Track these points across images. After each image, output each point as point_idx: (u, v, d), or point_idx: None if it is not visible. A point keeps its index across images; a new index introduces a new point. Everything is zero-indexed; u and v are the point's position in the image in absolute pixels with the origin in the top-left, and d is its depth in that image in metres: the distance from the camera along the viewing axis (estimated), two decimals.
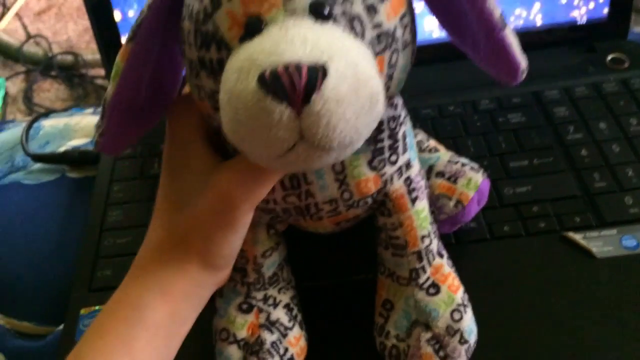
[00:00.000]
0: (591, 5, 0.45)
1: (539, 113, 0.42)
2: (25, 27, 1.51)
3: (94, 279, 0.37)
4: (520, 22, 0.46)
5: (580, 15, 0.46)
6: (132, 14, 0.44)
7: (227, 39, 0.21)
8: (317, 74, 0.18)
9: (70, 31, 1.52)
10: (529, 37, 0.46)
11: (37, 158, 0.45)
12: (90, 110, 0.53)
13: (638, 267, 0.33)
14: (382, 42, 0.22)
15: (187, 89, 0.29)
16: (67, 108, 1.42)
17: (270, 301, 0.31)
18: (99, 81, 1.39)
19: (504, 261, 0.35)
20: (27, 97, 1.37)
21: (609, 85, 0.43)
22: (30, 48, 1.44)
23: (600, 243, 0.34)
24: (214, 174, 0.25)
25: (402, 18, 0.23)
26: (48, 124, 0.50)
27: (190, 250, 0.26)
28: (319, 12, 0.20)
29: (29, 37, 1.48)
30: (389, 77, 0.23)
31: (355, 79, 0.18)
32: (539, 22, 0.46)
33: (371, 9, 0.21)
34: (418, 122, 0.43)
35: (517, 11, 0.46)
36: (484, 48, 0.23)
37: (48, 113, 0.52)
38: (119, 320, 0.25)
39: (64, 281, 0.38)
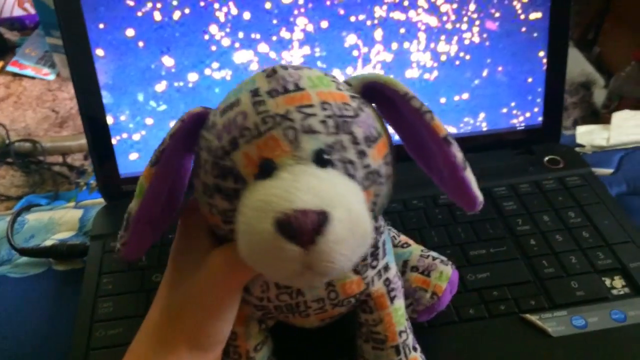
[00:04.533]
0: (527, 114, 0.53)
1: (490, 207, 0.48)
2: None
3: None
4: (469, 128, 0.53)
5: (518, 122, 0.53)
6: (123, 118, 0.48)
7: (243, 175, 0.25)
8: (322, 219, 0.22)
9: (29, 119, 1.53)
10: (476, 141, 0.53)
11: (24, 252, 0.46)
12: (71, 204, 0.55)
13: (589, 344, 0.38)
14: (369, 179, 0.26)
15: None
16: (22, 195, 1.39)
17: None
18: (56, 168, 1.39)
19: (472, 342, 0.39)
20: None
21: (548, 183, 0.50)
22: None
23: (554, 323, 0.39)
24: (207, 255, 0.28)
25: (385, 157, 0.27)
26: (32, 218, 0.51)
27: (181, 330, 0.28)
28: (320, 158, 0.24)
29: None
30: (374, 204, 0.27)
31: (350, 222, 0.23)
32: (484, 128, 0.53)
33: (361, 154, 0.26)
34: (387, 215, 0.47)
35: (466, 119, 0.53)
36: (448, 182, 0.28)
37: (30, 207, 0.54)
38: None
39: None
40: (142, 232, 0.28)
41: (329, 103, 0.26)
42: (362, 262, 0.30)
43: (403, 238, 0.40)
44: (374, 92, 0.28)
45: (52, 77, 1.65)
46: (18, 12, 1.78)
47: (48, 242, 0.49)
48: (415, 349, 0.34)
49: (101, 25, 0.44)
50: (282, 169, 0.24)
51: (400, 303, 0.33)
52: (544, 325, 0.38)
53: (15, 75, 1.66)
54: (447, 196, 0.30)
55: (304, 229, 0.22)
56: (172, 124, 0.50)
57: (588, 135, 0.59)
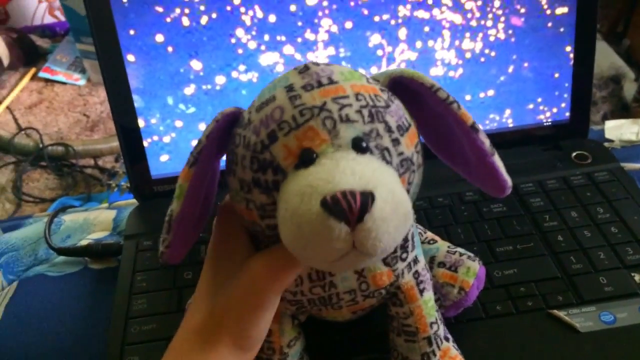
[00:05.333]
0: (554, 109, 0.53)
1: (517, 203, 0.48)
2: (16, 120, 1.57)
3: None
4: (494, 125, 0.53)
5: (545, 118, 0.53)
6: (154, 121, 0.49)
7: (282, 166, 0.25)
8: (368, 198, 0.22)
9: (61, 123, 1.57)
10: (502, 137, 0.53)
11: (61, 251, 0.48)
12: (104, 205, 0.57)
13: (617, 339, 0.38)
14: (404, 166, 0.27)
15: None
16: (55, 197, 1.43)
17: None
18: (88, 170, 1.43)
19: (499, 337, 0.39)
20: (16, 186, 1.39)
21: (576, 179, 0.49)
22: (22, 140, 1.48)
23: (582, 319, 0.38)
24: (248, 260, 0.29)
25: (416, 146, 0.28)
26: (68, 219, 0.53)
27: (224, 332, 0.28)
28: (358, 146, 0.25)
29: (20, 129, 1.52)
30: (407, 191, 0.28)
31: (394, 201, 0.23)
32: (510, 124, 0.53)
33: (395, 142, 0.27)
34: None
35: (491, 115, 0.53)
36: (475, 169, 0.29)
37: (65, 208, 0.56)
38: None
39: None
40: (184, 233, 0.29)
41: (362, 94, 0.26)
42: (392, 254, 0.31)
43: (429, 235, 0.40)
44: (398, 87, 0.29)
45: (82, 82, 1.69)
46: (49, 20, 1.83)
47: (83, 242, 0.50)
48: (447, 339, 0.34)
49: (132, 32, 0.45)
50: (322, 157, 0.25)
51: (429, 295, 0.33)
52: (572, 321, 0.38)
53: (47, 81, 1.71)
54: (475, 184, 0.31)
55: (352, 206, 0.22)
56: (201, 126, 0.52)
57: (617, 130, 0.58)
